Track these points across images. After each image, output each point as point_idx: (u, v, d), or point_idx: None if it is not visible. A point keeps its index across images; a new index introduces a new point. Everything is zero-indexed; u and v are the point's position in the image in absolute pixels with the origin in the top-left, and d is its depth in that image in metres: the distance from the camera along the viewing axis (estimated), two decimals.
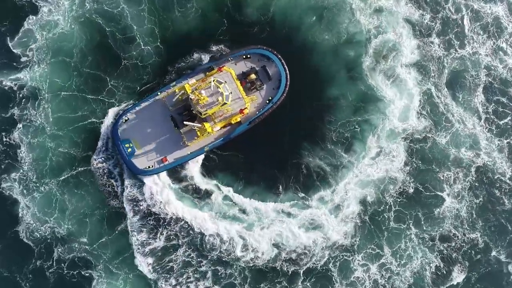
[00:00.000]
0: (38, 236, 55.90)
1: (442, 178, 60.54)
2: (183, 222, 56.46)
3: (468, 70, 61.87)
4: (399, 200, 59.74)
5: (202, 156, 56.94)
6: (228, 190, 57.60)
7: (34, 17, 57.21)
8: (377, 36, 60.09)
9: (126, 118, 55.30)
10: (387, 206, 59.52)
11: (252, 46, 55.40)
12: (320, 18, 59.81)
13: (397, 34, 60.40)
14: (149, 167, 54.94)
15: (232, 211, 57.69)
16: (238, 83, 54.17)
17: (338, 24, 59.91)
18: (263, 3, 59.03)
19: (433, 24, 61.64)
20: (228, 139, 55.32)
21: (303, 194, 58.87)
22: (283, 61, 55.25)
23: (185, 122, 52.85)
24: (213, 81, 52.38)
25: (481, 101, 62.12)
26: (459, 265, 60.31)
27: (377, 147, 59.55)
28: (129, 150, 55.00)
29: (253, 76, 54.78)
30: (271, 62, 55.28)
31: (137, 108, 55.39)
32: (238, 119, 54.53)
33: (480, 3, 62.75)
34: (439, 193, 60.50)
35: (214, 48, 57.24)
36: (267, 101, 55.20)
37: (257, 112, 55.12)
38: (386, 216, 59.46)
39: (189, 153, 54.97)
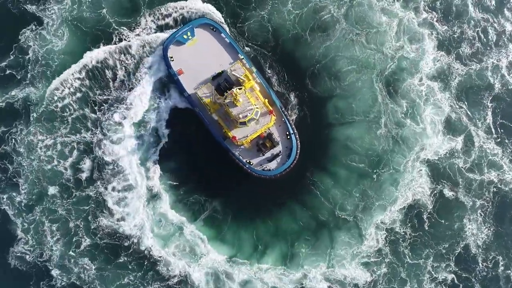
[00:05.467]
0: (32, 261, 57.97)
1: (463, 202, 60.59)
2: None
3: (484, 85, 61.87)
4: (419, 229, 60.14)
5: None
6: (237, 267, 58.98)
7: (29, 32, 59.01)
8: (398, 53, 60.84)
9: (214, 29, 58.01)
10: (406, 237, 59.98)
11: (297, 139, 57.40)
12: (340, 36, 61.12)
13: (418, 50, 61.17)
14: (171, 57, 57.89)
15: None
16: (259, 132, 56.47)
17: (356, 42, 61.07)
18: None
19: (451, 38, 62.00)
20: (208, 128, 57.83)
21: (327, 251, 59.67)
22: (288, 168, 56.85)
23: (212, 83, 56.29)
24: (256, 108, 54.74)
25: (496, 116, 61.97)
26: None
27: (409, 180, 59.93)
28: (185, 36, 57.97)
29: (269, 144, 57.00)
30: (285, 158, 57.20)
31: (224, 38, 58.12)
32: (226, 136, 57.17)
33: (497, 19, 63.01)
34: (460, 217, 60.71)
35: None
36: (247, 161, 57.58)
37: (236, 154, 57.44)
38: (404, 250, 59.94)
39: (189, 94, 57.69)
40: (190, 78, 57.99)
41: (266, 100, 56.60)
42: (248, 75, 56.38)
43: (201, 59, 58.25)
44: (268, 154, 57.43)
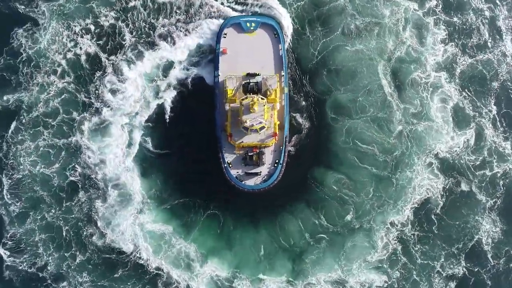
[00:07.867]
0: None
1: (475, 197, 59.36)
2: None
3: (490, 75, 60.60)
4: (430, 227, 58.98)
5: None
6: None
7: (22, 32, 57.57)
8: (403, 44, 59.63)
9: (276, 36, 58.80)
10: (417, 236, 58.72)
11: (281, 171, 57.75)
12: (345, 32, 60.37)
13: (423, 41, 60.19)
14: (225, 34, 58.85)
15: None
16: (254, 145, 57.04)
17: (363, 41, 60.07)
18: None
19: (458, 28, 60.61)
20: (215, 112, 58.52)
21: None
22: (258, 190, 57.36)
23: (243, 78, 57.09)
24: (264, 124, 55.21)
25: (501, 106, 60.68)
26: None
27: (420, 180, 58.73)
28: (248, 24, 58.89)
29: (255, 159, 57.30)
30: (261, 181, 57.64)
31: (279, 49, 58.72)
32: (225, 129, 57.76)
33: (503, 8, 61.40)
34: (472, 212, 59.40)
35: None
36: (228, 162, 57.90)
37: (223, 149, 58.07)
38: (416, 250, 58.72)
39: (219, 75, 58.26)
40: (228, 62, 58.52)
41: (278, 122, 57.11)
42: (277, 92, 56.86)
43: (248, 52, 58.75)
44: (250, 168, 57.84)
